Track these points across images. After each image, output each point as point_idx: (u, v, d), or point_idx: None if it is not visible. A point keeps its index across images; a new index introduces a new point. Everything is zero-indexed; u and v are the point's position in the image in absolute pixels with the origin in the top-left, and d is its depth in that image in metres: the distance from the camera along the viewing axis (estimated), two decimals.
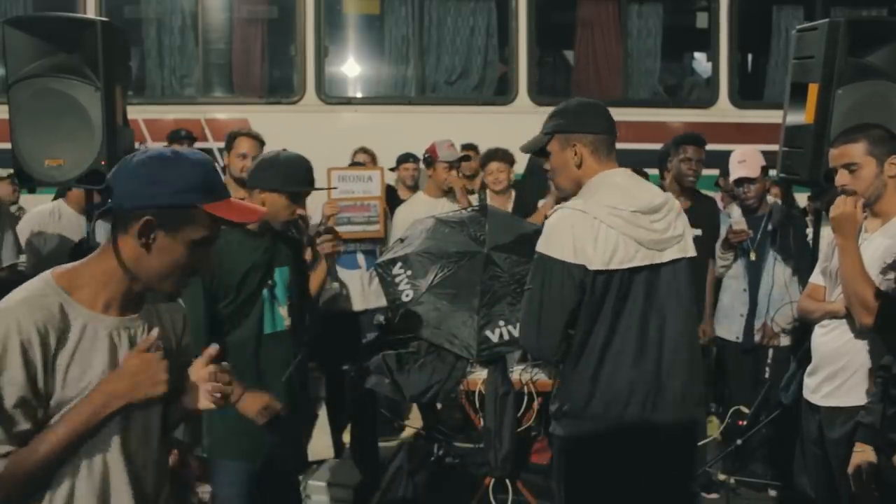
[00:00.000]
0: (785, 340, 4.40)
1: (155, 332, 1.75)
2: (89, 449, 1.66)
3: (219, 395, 1.82)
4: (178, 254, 1.67)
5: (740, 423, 4.25)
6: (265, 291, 2.84)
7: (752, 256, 4.48)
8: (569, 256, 2.39)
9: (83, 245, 3.83)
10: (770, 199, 4.67)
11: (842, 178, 2.87)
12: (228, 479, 2.79)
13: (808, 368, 3.12)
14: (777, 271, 4.42)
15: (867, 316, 2.74)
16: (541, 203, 4.82)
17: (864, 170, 2.83)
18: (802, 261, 4.16)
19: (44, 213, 4.33)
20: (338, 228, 4.62)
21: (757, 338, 4.45)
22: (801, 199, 5.58)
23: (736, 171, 4.50)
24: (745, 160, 4.42)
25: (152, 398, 1.68)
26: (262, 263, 2.84)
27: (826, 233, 3.73)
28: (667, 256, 2.50)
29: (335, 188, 4.56)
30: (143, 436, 1.76)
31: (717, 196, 5.62)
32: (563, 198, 2.67)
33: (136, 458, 1.74)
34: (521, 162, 5.16)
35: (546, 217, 2.58)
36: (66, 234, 4.24)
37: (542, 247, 2.46)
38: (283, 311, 2.90)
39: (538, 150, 2.63)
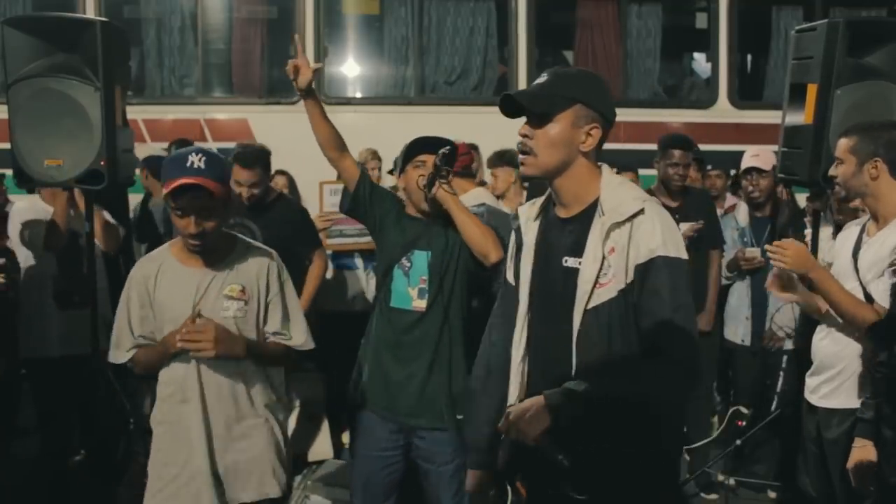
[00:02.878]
0: (789, 344, 4.39)
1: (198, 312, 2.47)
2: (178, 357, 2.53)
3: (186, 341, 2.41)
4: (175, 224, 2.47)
5: (739, 423, 4.25)
6: (397, 270, 3.03)
7: (759, 254, 4.49)
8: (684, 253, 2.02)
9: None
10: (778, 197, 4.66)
11: (832, 169, 2.98)
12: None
13: (810, 369, 3.13)
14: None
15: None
16: None
17: (844, 165, 2.90)
18: None
19: (27, 209, 4.27)
20: (330, 241, 4.66)
21: (765, 342, 4.44)
22: (801, 199, 5.58)
23: (747, 162, 4.52)
24: (759, 154, 4.46)
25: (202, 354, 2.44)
26: (404, 243, 3.04)
27: (826, 233, 3.74)
28: None
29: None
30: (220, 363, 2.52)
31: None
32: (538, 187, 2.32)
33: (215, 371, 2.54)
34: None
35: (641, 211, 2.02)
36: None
37: (672, 248, 1.97)
38: (412, 290, 3.00)
39: (541, 111, 2.04)
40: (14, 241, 4.13)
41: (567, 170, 2.04)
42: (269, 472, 2.61)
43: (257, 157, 4.10)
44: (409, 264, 3.03)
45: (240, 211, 4.03)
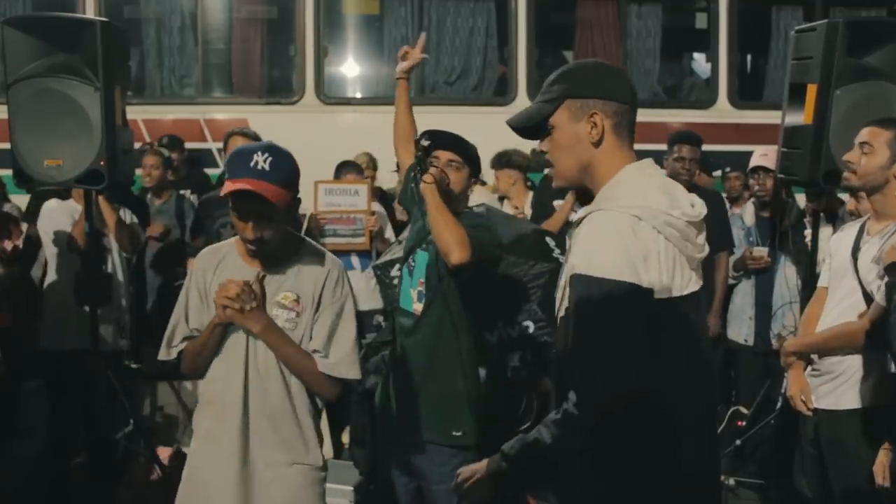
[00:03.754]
0: None
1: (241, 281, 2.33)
2: (226, 346, 2.37)
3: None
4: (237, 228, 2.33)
5: (739, 423, 4.26)
6: (405, 269, 2.98)
7: (767, 255, 4.49)
8: (628, 275, 1.70)
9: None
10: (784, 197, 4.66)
11: (852, 154, 2.86)
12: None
13: (809, 369, 3.13)
14: (788, 272, 4.43)
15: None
16: (558, 203, 4.69)
17: (876, 157, 2.80)
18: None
19: (57, 208, 4.31)
20: (325, 240, 4.66)
21: (775, 345, 4.41)
22: (800, 199, 5.58)
23: (755, 161, 4.52)
24: (768, 154, 4.43)
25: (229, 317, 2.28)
26: (414, 242, 2.99)
27: (825, 233, 3.75)
28: (696, 285, 1.85)
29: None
30: (263, 352, 2.35)
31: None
32: (582, 196, 1.94)
33: (256, 364, 2.36)
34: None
35: (572, 222, 1.90)
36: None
37: (583, 265, 1.72)
38: (412, 292, 2.92)
39: (534, 126, 1.93)
40: (45, 239, 4.16)
41: (591, 170, 1.85)
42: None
43: (250, 135, 4.24)
44: (413, 264, 2.95)
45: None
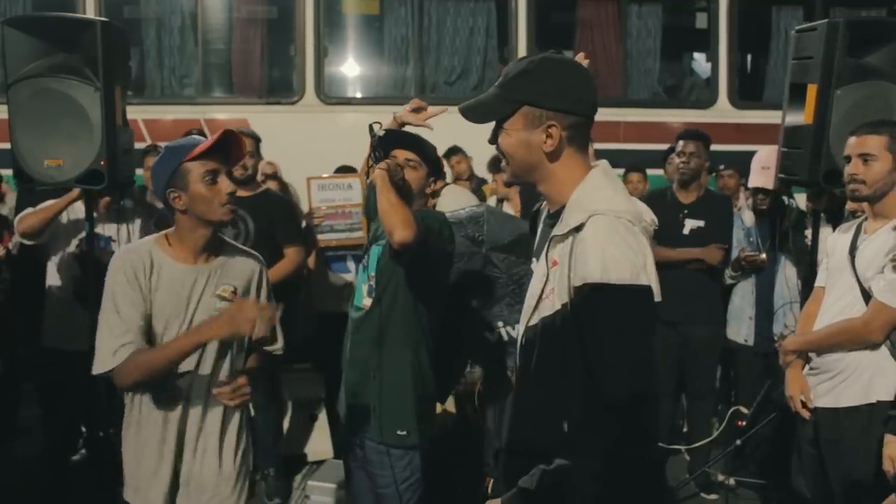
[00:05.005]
0: None
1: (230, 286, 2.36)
2: (187, 364, 2.30)
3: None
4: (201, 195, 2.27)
5: (739, 423, 4.26)
6: (360, 266, 2.96)
7: (764, 257, 4.50)
8: (643, 279, 1.76)
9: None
10: (784, 198, 4.66)
11: (854, 166, 2.86)
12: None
13: (807, 369, 3.13)
14: (789, 272, 4.43)
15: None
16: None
17: (879, 163, 2.82)
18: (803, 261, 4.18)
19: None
20: (322, 236, 4.65)
21: (777, 345, 4.42)
22: (800, 199, 5.59)
23: (755, 179, 4.49)
24: (769, 168, 4.30)
25: (243, 334, 2.20)
26: (371, 238, 2.97)
27: (825, 233, 3.75)
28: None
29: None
30: (226, 367, 2.38)
31: None
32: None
33: (214, 379, 2.35)
34: None
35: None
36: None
37: (599, 273, 1.70)
38: (364, 287, 2.91)
39: (489, 121, 1.90)
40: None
41: (538, 173, 1.86)
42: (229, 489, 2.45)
43: (248, 134, 4.25)
44: (367, 260, 2.94)
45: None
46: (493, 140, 1.90)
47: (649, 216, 1.89)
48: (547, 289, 1.80)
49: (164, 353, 2.25)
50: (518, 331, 1.90)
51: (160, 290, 2.32)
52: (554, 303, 1.78)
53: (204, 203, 2.28)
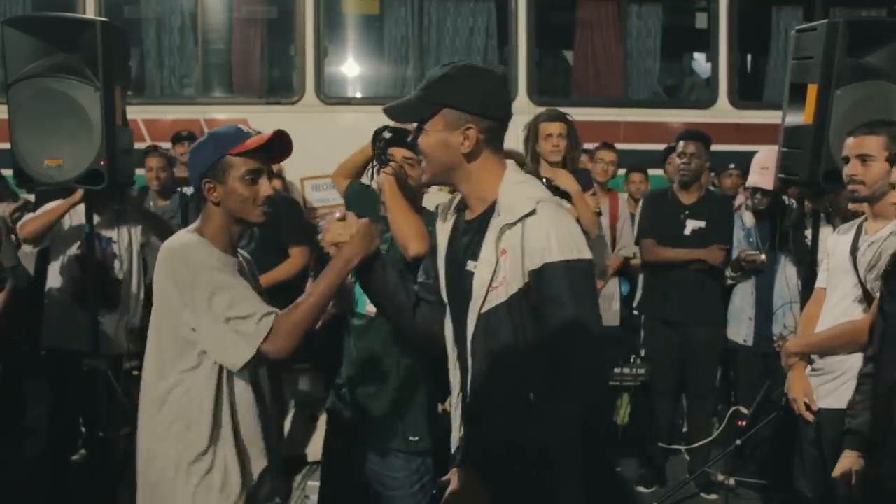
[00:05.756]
0: None
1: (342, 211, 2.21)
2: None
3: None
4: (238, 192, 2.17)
5: (739, 423, 4.26)
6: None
7: (764, 257, 4.49)
8: (587, 254, 1.93)
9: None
10: (784, 198, 4.66)
11: (853, 167, 2.86)
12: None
13: (809, 370, 3.12)
14: (789, 272, 4.42)
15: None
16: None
17: (878, 163, 2.81)
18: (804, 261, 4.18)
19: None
20: (318, 237, 4.64)
21: (777, 345, 4.41)
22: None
23: (753, 179, 4.49)
24: (768, 168, 4.30)
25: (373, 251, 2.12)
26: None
27: (825, 233, 3.74)
28: None
29: None
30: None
31: None
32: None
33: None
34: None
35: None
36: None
37: (567, 250, 1.88)
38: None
39: (411, 122, 2.06)
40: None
41: (456, 173, 1.99)
42: None
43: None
44: None
45: None
46: (414, 140, 2.02)
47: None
48: (498, 278, 1.91)
49: (316, 299, 2.11)
50: (468, 322, 1.96)
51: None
52: (507, 289, 1.90)
53: (240, 201, 2.19)
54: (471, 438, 2.04)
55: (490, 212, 1.96)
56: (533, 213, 1.89)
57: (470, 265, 1.98)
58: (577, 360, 1.86)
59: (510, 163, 2.01)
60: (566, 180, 4.02)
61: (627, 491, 4.59)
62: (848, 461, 2.59)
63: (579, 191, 4.03)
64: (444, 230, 2.11)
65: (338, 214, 2.18)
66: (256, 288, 2.30)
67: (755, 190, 4.52)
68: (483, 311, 1.92)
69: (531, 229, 1.88)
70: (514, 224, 1.89)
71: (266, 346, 2.06)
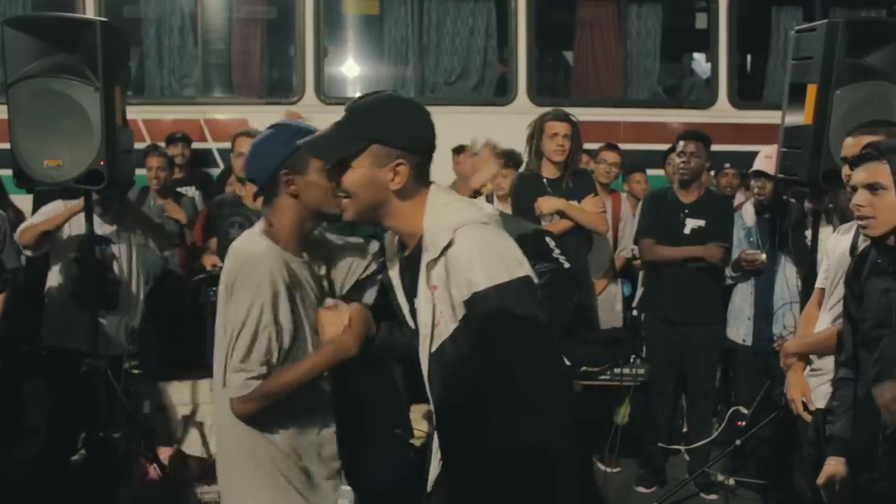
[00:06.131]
0: None
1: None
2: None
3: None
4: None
5: (739, 423, 4.26)
6: None
7: (764, 257, 4.50)
8: (520, 271, 1.81)
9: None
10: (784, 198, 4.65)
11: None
12: None
13: (808, 369, 3.13)
14: (789, 272, 4.42)
15: None
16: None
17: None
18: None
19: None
20: None
21: (777, 345, 4.38)
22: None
23: (758, 164, 4.50)
24: (772, 157, 4.26)
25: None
26: None
27: (824, 234, 3.74)
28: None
29: None
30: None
31: None
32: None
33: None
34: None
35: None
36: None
37: (496, 274, 1.77)
38: None
39: (335, 160, 1.91)
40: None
41: (383, 210, 1.89)
42: None
43: (253, 134, 4.22)
44: None
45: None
46: (337, 177, 1.90)
47: (489, 208, 1.98)
48: (437, 314, 1.84)
49: (296, 377, 2.10)
50: (422, 363, 1.91)
51: (301, 295, 2.17)
52: (447, 324, 1.82)
53: (320, 193, 2.11)
54: (444, 474, 1.99)
55: (420, 247, 1.88)
56: (451, 243, 1.79)
57: (416, 304, 1.92)
58: (528, 385, 1.76)
59: (433, 187, 1.91)
60: (574, 210, 4.24)
61: (627, 491, 4.60)
62: (832, 468, 2.56)
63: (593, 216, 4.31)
64: (394, 270, 2.05)
65: (328, 303, 2.15)
66: (317, 278, 2.24)
67: (758, 175, 4.51)
68: (433, 350, 1.86)
69: (453, 260, 1.79)
70: (437, 258, 1.81)
71: (236, 403, 2.07)
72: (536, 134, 4.30)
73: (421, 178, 1.88)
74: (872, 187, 2.39)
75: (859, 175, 2.45)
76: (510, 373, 1.76)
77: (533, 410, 1.75)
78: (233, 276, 2.09)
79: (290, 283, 2.11)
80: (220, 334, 2.13)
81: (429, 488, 2.07)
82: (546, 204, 4.19)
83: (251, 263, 2.07)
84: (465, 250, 1.78)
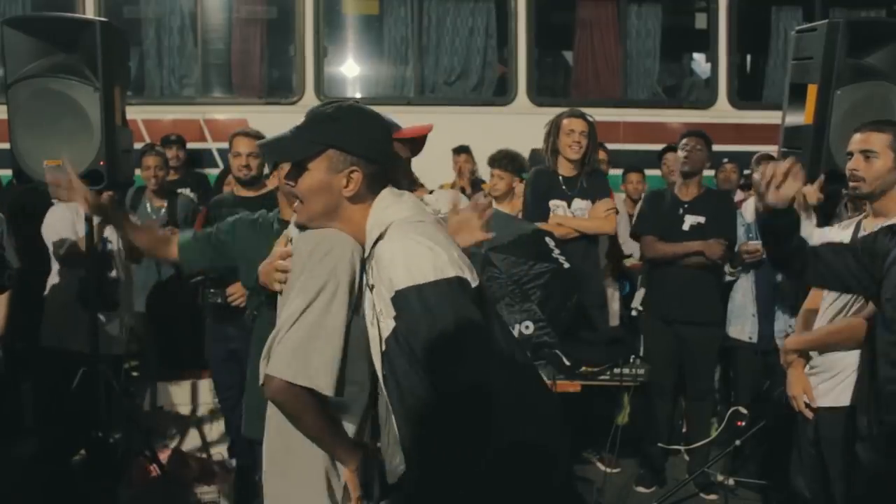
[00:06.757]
0: None
1: None
2: None
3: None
4: None
5: (739, 423, 4.25)
6: None
7: (764, 255, 4.50)
8: (450, 271, 1.79)
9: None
10: None
11: (856, 162, 2.83)
12: None
13: (808, 368, 3.12)
14: None
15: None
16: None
17: (881, 160, 2.80)
18: None
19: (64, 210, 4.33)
20: None
21: (779, 343, 4.39)
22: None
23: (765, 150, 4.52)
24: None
25: None
26: None
27: (818, 231, 3.74)
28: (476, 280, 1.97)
29: None
30: None
31: None
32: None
33: None
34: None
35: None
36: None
37: (405, 279, 1.76)
38: None
39: (291, 160, 1.92)
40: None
41: (336, 214, 1.89)
42: None
43: (253, 134, 4.22)
44: None
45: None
46: (293, 179, 1.91)
47: (435, 208, 1.99)
48: (377, 313, 1.84)
49: (315, 433, 1.93)
50: (376, 365, 1.90)
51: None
52: (387, 322, 1.81)
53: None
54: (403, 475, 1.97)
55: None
56: (381, 237, 1.81)
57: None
58: (449, 385, 1.75)
59: (385, 190, 1.92)
60: (575, 223, 4.31)
61: (627, 491, 4.60)
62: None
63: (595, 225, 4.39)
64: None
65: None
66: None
67: (765, 158, 4.52)
68: (383, 349, 1.84)
69: (380, 257, 1.80)
70: (371, 256, 1.82)
71: (276, 381, 1.83)
72: (553, 131, 4.39)
73: (374, 187, 1.90)
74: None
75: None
76: (435, 372, 1.75)
77: (451, 414, 1.74)
78: (310, 250, 1.92)
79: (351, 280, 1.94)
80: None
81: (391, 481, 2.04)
82: (548, 226, 4.23)
83: (329, 240, 1.93)
84: (389, 248, 1.80)
